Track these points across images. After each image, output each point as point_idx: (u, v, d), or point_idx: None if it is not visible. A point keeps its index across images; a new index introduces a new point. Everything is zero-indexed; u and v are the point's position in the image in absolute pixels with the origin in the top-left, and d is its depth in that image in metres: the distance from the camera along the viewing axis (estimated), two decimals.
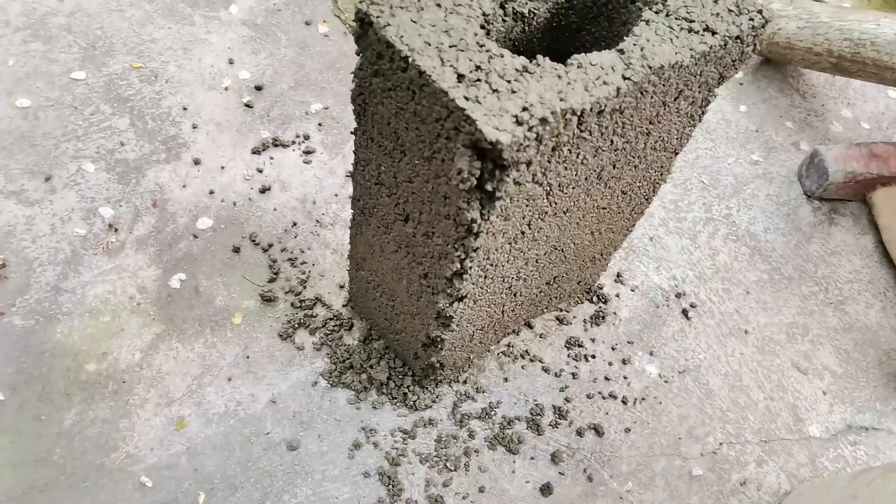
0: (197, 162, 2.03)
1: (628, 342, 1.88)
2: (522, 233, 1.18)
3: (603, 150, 1.11)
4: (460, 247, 1.07)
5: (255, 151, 2.09)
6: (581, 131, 0.98)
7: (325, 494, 1.57)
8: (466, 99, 0.89)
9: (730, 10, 1.08)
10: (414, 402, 1.69)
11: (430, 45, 0.94)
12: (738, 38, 1.07)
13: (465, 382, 1.76)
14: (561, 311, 1.89)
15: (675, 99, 1.12)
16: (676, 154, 1.39)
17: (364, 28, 0.98)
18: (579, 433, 1.72)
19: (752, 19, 1.08)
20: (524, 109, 0.89)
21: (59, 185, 1.95)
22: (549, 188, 1.08)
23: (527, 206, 1.09)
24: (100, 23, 2.29)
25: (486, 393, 1.75)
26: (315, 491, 1.57)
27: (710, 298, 2.01)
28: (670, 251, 2.07)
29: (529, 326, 1.86)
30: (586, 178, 1.17)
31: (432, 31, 0.96)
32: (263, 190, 2.01)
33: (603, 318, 1.90)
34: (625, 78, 0.96)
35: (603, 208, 1.38)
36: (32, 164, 1.97)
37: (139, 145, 2.05)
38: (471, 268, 1.14)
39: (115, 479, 1.54)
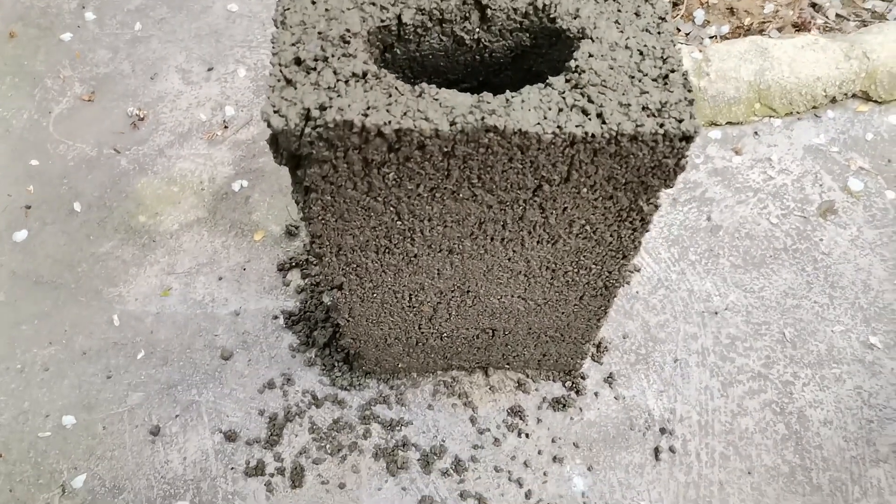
0: None
1: (574, 444, 1.68)
2: (387, 248, 1.16)
3: (465, 199, 1.03)
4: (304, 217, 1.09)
5: None
6: (401, 159, 0.93)
7: (221, 407, 1.72)
8: (286, 80, 0.92)
9: (645, 108, 0.90)
10: (336, 377, 1.74)
11: (304, 23, 0.98)
12: (634, 139, 0.89)
13: (392, 388, 1.75)
14: (526, 376, 1.76)
15: (564, 180, 0.99)
16: (625, 257, 1.20)
17: None
18: (462, 496, 1.61)
19: (662, 125, 0.89)
20: (320, 108, 0.88)
21: (214, 76, 2.33)
22: (392, 207, 1.04)
23: (369, 217, 1.07)
24: None
25: (404, 407, 1.72)
26: (216, 399, 1.73)
27: (698, 455, 1.68)
28: (689, 383, 1.77)
29: (486, 374, 1.76)
30: (458, 222, 1.09)
31: (321, 13, 0.99)
32: None
33: (564, 406, 1.72)
34: (451, 123, 0.88)
35: (522, 274, 1.26)
36: (208, 54, 2.39)
37: None
38: (323, 258, 1.16)
39: (100, 307, 1.86)
